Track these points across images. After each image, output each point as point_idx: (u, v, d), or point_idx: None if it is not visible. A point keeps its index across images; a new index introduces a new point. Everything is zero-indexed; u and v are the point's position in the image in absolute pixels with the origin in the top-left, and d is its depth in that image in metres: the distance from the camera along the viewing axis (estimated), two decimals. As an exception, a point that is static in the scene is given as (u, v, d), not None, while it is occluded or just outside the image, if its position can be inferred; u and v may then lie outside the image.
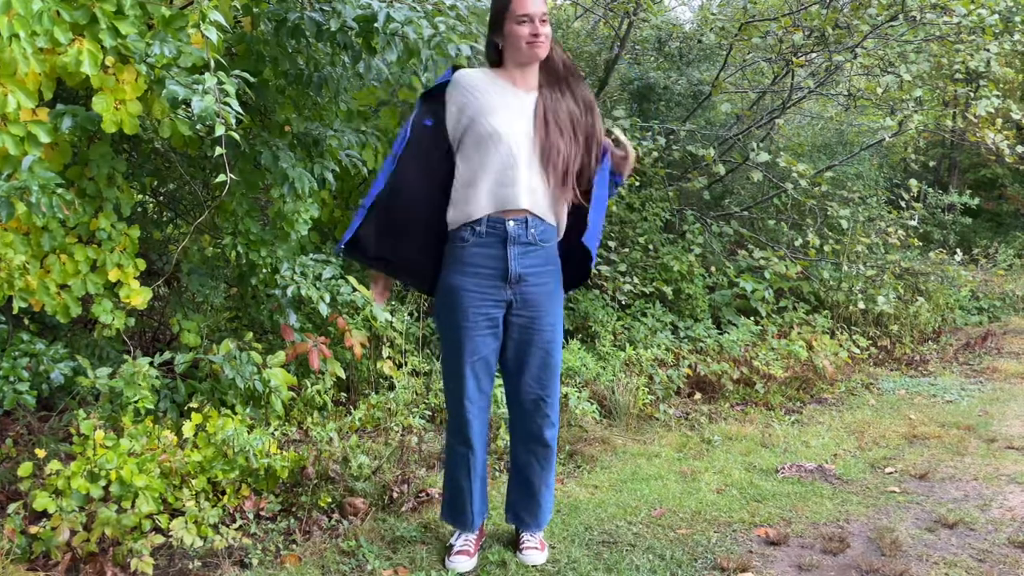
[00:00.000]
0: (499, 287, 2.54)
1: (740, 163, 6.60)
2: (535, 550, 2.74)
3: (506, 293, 2.55)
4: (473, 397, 2.62)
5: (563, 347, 4.73)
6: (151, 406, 3.17)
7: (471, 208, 2.50)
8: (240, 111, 2.72)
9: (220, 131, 2.61)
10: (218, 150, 2.65)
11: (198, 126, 2.76)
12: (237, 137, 2.71)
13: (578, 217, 2.61)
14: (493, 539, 2.88)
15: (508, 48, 2.51)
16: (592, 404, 4.20)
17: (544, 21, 2.47)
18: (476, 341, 2.56)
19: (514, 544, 2.81)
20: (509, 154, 2.47)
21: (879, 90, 6.10)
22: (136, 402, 3.11)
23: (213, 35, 2.70)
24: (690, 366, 4.92)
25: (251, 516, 2.92)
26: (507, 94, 2.53)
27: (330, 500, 3.04)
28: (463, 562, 2.69)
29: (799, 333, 5.59)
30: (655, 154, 5.85)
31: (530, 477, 2.74)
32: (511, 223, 2.50)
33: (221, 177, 2.76)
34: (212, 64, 2.71)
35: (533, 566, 2.70)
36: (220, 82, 2.65)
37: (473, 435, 2.66)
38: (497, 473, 3.51)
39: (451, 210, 2.56)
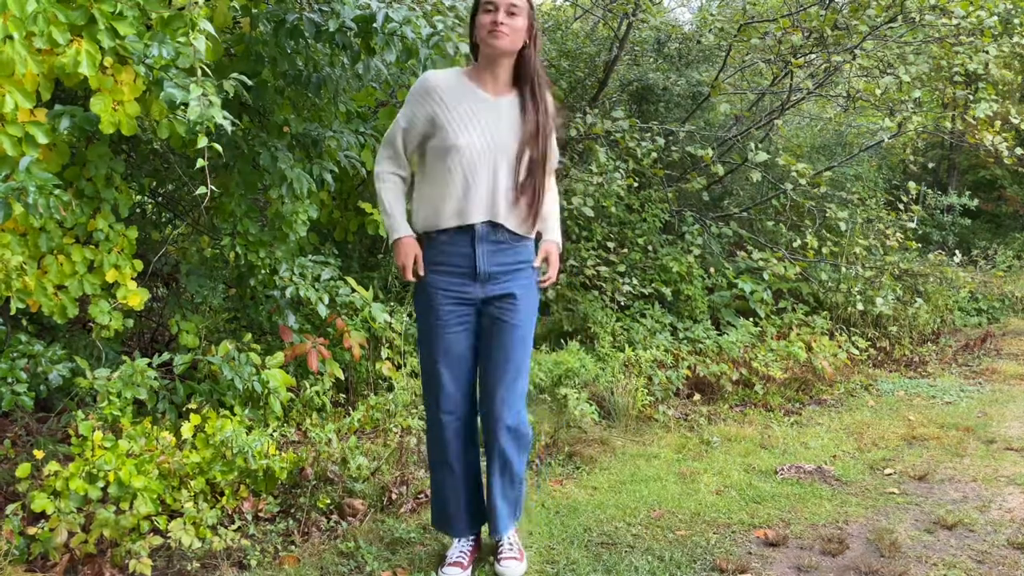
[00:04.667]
0: (469, 284, 2.52)
1: (739, 164, 6.61)
2: (514, 560, 2.66)
3: (476, 290, 2.53)
4: (449, 394, 2.58)
5: (563, 348, 4.74)
6: (121, 408, 3.10)
7: (436, 220, 2.50)
8: (231, 118, 2.71)
9: (203, 143, 2.61)
10: (199, 162, 2.66)
11: (194, 130, 2.76)
12: (219, 148, 2.71)
13: None
14: (488, 550, 2.86)
15: (479, 42, 2.47)
16: (591, 405, 4.20)
17: (512, 14, 2.39)
18: (448, 339, 2.55)
19: (493, 552, 2.74)
20: (472, 169, 2.44)
21: (878, 91, 6.10)
22: (117, 401, 3.06)
23: (201, 44, 2.69)
24: (689, 367, 4.91)
25: (250, 517, 2.92)
26: (475, 101, 2.47)
27: (329, 501, 3.04)
28: (456, 573, 2.62)
29: (798, 334, 5.59)
30: (654, 155, 5.86)
31: (489, 478, 2.67)
32: (478, 225, 2.49)
33: (202, 189, 2.76)
34: (199, 73, 2.70)
35: None
36: (204, 93, 2.64)
37: (449, 436, 2.61)
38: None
39: (416, 215, 2.55)
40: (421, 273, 2.55)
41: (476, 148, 2.44)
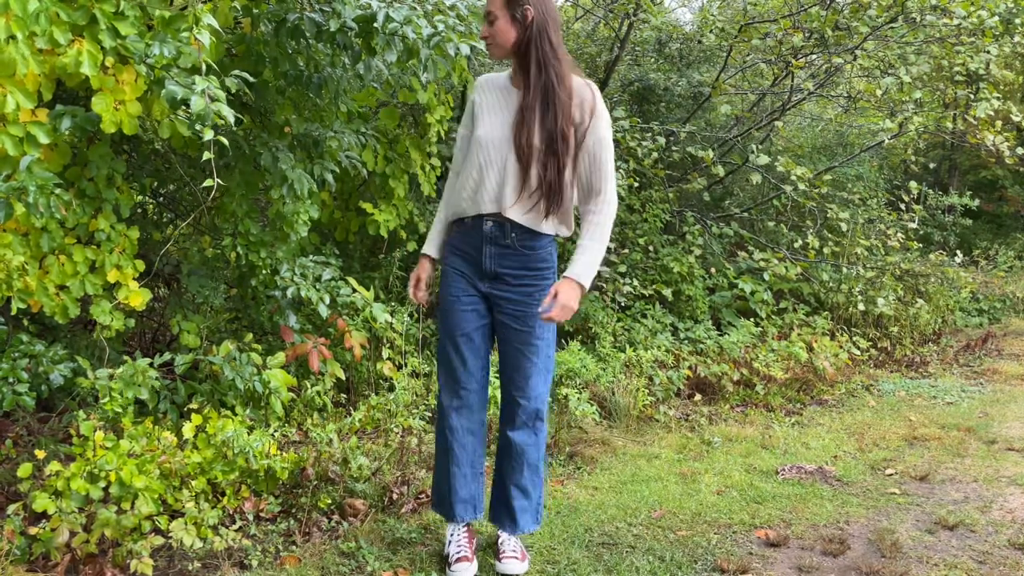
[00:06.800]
0: (478, 275, 2.60)
1: (740, 165, 6.61)
2: (514, 559, 2.65)
3: (483, 286, 2.59)
4: (456, 373, 2.62)
5: (564, 348, 4.74)
6: (122, 406, 3.10)
7: (458, 209, 2.61)
8: (235, 114, 2.71)
9: (208, 136, 2.61)
10: (205, 155, 2.65)
11: (196, 126, 2.76)
12: (225, 141, 2.72)
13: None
14: (488, 547, 2.87)
15: None
16: (592, 405, 4.19)
17: (490, 22, 2.47)
18: (459, 315, 2.60)
19: (494, 550, 2.73)
20: (487, 160, 2.51)
21: (879, 92, 6.11)
22: (119, 399, 3.07)
23: (206, 39, 2.70)
24: (690, 367, 4.91)
25: (251, 517, 2.92)
26: (503, 94, 2.55)
27: (330, 501, 3.04)
28: (465, 568, 2.61)
29: (799, 335, 5.59)
30: (655, 155, 5.86)
31: (503, 476, 2.70)
32: (488, 223, 2.54)
33: (208, 181, 2.75)
34: (204, 68, 2.70)
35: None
36: (211, 86, 2.64)
37: (452, 413, 2.65)
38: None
39: (453, 205, 2.64)
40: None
41: (492, 138, 2.50)
